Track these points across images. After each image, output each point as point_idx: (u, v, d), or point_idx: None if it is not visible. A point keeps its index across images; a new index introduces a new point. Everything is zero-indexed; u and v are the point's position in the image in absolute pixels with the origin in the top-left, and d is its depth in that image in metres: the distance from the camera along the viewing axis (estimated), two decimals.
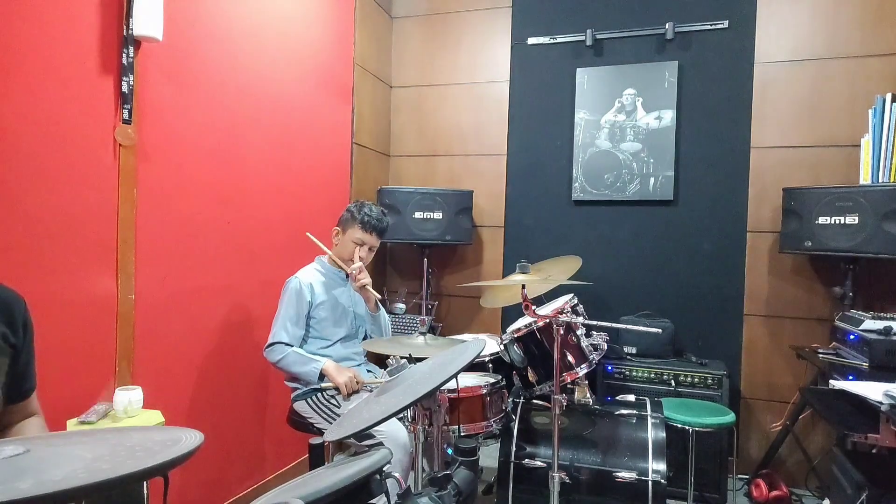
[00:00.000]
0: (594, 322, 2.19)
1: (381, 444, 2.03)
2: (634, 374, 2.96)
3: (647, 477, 2.11)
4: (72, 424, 1.71)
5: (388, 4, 3.82)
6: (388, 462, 1.00)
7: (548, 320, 2.19)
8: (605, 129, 3.41)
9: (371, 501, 0.95)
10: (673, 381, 2.90)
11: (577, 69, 3.44)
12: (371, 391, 2.40)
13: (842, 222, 2.65)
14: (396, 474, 1.05)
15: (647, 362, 2.98)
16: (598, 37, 3.42)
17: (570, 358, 2.25)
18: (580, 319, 2.28)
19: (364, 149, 3.53)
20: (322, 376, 2.20)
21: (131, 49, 1.95)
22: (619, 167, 3.37)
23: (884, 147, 2.72)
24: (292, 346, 2.26)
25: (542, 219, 3.58)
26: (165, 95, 2.14)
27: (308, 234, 2.39)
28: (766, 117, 3.14)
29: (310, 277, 2.36)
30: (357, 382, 2.19)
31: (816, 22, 3.06)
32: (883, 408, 1.65)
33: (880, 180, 2.71)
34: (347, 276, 2.45)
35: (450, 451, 1.84)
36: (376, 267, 3.75)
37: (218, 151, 2.40)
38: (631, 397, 2.52)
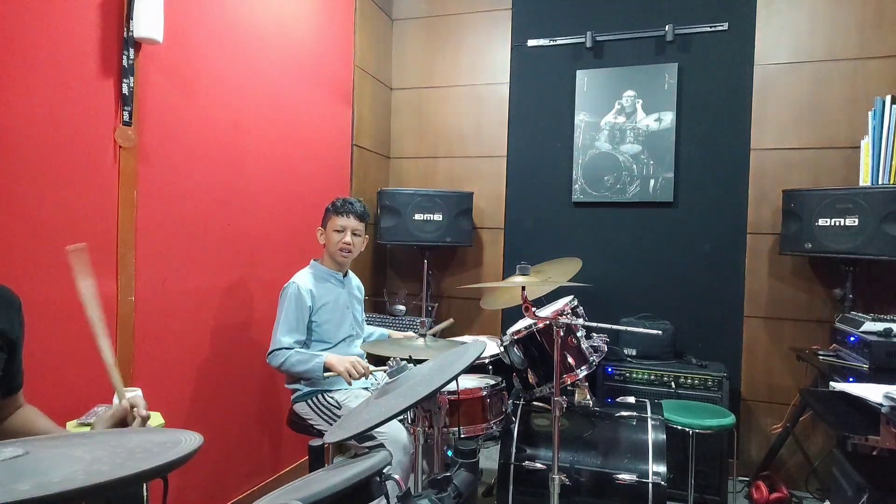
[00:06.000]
0: (594, 324, 2.18)
1: (381, 445, 2.03)
2: (634, 375, 2.96)
3: (648, 479, 2.10)
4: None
5: (389, 6, 3.82)
6: (388, 464, 1.00)
7: (548, 322, 2.18)
8: (605, 130, 3.41)
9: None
10: (673, 383, 2.89)
11: (577, 71, 3.45)
12: (375, 377, 2.38)
13: (842, 224, 2.65)
14: (396, 476, 1.04)
15: (648, 364, 2.98)
16: (598, 39, 3.43)
17: (570, 360, 2.24)
18: (580, 321, 2.27)
19: (364, 150, 3.53)
20: (326, 369, 2.20)
21: (132, 51, 1.95)
22: (619, 169, 3.37)
23: (883, 149, 2.72)
24: (293, 349, 2.25)
25: (543, 220, 3.58)
26: (165, 97, 2.14)
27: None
28: (765, 119, 3.15)
29: (308, 282, 2.33)
30: (363, 367, 2.18)
31: (816, 24, 3.07)
32: (883, 409, 1.65)
33: (880, 182, 2.71)
34: (344, 276, 2.47)
35: (450, 452, 1.84)
36: (376, 268, 3.75)
37: (218, 153, 2.40)
38: (631, 399, 2.52)
